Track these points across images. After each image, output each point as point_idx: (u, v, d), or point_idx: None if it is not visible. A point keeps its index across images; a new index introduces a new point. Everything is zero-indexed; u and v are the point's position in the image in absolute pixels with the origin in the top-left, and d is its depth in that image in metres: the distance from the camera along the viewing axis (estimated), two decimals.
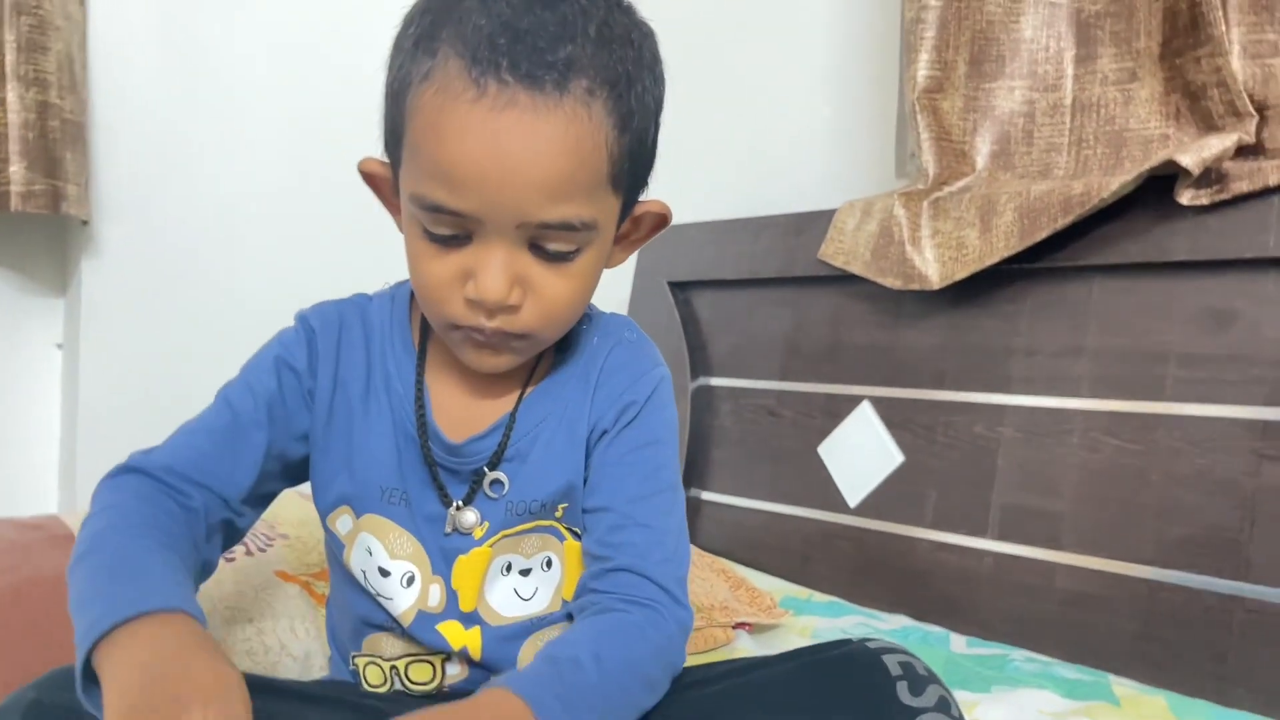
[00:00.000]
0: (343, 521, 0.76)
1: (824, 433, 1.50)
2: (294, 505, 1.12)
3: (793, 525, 1.52)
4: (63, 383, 1.65)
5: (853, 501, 1.45)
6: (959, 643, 1.23)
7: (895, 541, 1.39)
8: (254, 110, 1.72)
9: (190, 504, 0.69)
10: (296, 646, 0.96)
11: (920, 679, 0.66)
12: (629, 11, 0.67)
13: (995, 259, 1.28)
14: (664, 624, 0.70)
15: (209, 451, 0.71)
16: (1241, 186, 1.11)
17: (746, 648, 1.17)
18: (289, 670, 0.94)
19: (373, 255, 1.85)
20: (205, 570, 0.70)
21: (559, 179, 0.62)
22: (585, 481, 0.76)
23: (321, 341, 0.75)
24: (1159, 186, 1.17)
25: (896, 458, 1.41)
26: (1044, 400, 1.27)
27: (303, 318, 0.76)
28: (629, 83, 0.64)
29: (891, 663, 0.67)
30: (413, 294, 0.77)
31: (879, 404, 1.44)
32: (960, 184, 1.39)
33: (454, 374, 0.75)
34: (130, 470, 0.69)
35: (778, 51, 1.76)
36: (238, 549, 1.02)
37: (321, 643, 0.97)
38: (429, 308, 0.69)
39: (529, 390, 0.76)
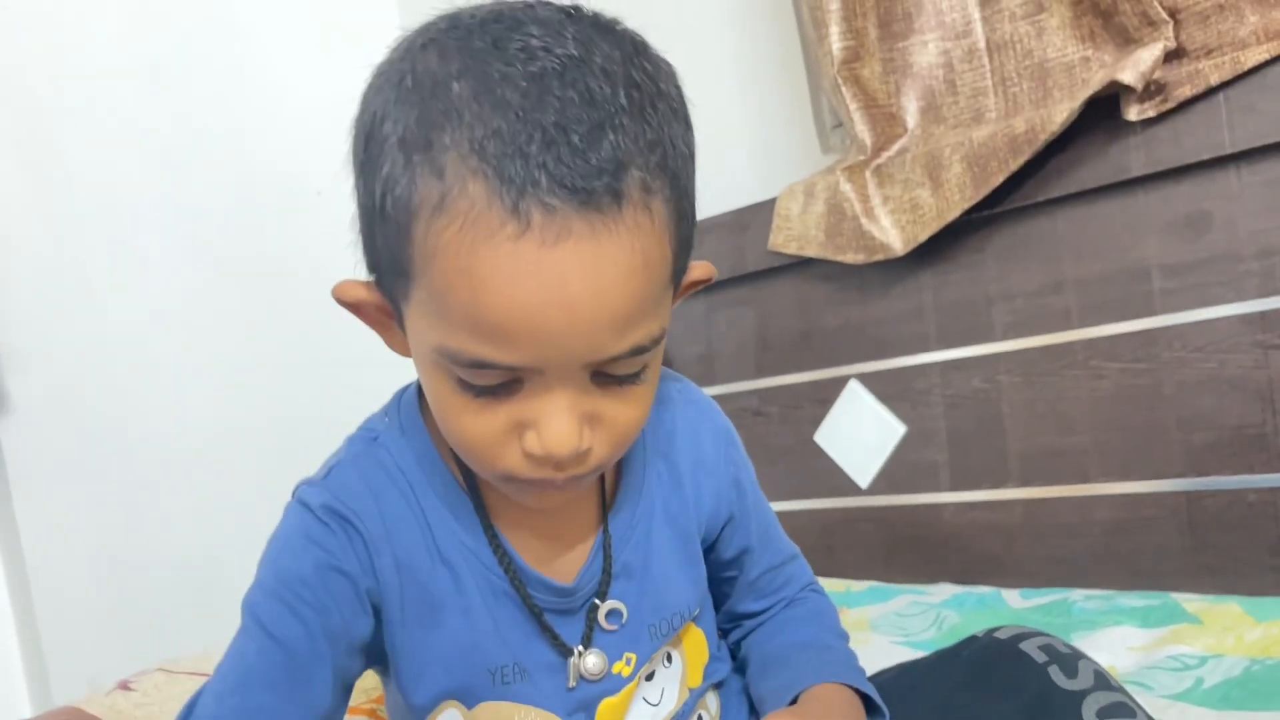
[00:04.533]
0: (449, 716, 0.65)
1: (816, 421, 1.48)
2: None
3: (807, 519, 1.49)
4: (6, 561, 1.51)
5: (863, 482, 1.43)
6: (1013, 597, 1.21)
7: (918, 512, 1.38)
8: (141, 217, 1.61)
9: None
10: None
11: (1067, 658, 0.63)
12: (645, 51, 0.55)
13: (955, 214, 1.27)
14: (827, 599, 0.78)
15: (272, 706, 0.58)
16: (1185, 92, 1.13)
17: None
18: None
19: (296, 356, 1.76)
20: None
21: (629, 308, 0.51)
22: (716, 553, 0.74)
23: (367, 530, 0.61)
24: (1099, 108, 1.18)
25: (898, 429, 1.39)
26: (1036, 340, 1.27)
27: (329, 507, 0.61)
28: (672, 146, 0.52)
29: (1031, 648, 0.64)
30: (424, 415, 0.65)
31: (867, 380, 1.42)
32: (897, 146, 1.38)
33: (518, 505, 0.63)
34: None
35: (679, 55, 1.73)
36: None
37: None
38: (476, 462, 0.58)
39: (610, 496, 0.67)
